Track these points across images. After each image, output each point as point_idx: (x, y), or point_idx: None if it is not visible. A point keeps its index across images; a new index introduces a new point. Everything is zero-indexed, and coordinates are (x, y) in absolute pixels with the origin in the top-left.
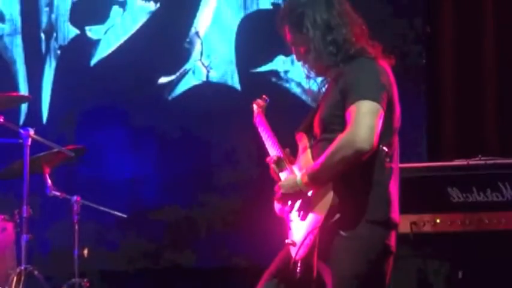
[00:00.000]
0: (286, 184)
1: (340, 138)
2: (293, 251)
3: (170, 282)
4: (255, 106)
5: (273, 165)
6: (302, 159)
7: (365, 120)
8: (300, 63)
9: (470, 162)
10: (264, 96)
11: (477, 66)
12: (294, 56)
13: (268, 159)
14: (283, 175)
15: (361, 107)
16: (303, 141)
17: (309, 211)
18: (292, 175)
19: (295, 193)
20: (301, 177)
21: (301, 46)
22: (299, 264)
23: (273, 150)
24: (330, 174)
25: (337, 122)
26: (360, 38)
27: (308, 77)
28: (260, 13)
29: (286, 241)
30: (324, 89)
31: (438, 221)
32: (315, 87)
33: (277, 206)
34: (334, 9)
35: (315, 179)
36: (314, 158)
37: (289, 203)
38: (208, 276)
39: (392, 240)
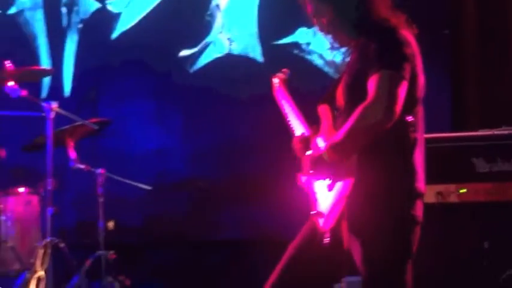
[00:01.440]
0: (311, 157)
1: (362, 108)
2: (321, 221)
3: (195, 254)
4: (275, 80)
5: (298, 144)
6: (326, 131)
7: (387, 90)
8: (322, 34)
9: (495, 132)
10: (284, 69)
11: (501, 34)
12: (316, 27)
13: (293, 140)
14: (309, 151)
15: (384, 77)
16: (326, 112)
17: (335, 181)
18: (317, 147)
19: (321, 164)
20: (325, 148)
21: (323, 17)
22: (327, 235)
23: (295, 123)
24: (353, 144)
25: (360, 92)
26: (383, 8)
27: (332, 48)
28: None
29: (312, 213)
30: (347, 60)
31: (464, 191)
32: (338, 58)
33: (302, 178)
34: None
35: (339, 149)
36: (338, 129)
37: (316, 174)
38: (233, 249)
39: (418, 210)
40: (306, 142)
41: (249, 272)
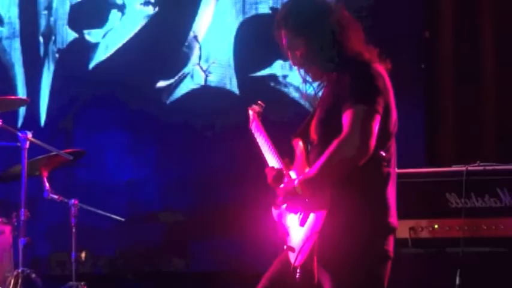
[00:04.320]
0: (284, 190)
1: (336, 143)
2: (292, 256)
3: (167, 286)
4: (250, 112)
5: (271, 176)
6: (299, 165)
7: (361, 125)
8: (296, 68)
9: (469, 168)
10: (259, 102)
11: (476, 72)
12: (290, 61)
13: (266, 169)
14: (282, 184)
15: (357, 112)
16: (299, 146)
17: (307, 216)
18: (289, 181)
19: (293, 199)
20: (298, 182)
21: (297, 50)
22: (298, 270)
23: (269, 156)
24: (326, 179)
25: (333, 126)
26: (356, 43)
27: (305, 81)
28: (259, 18)
29: (285, 247)
30: (320, 94)
31: (436, 226)
32: (311, 92)
33: (275, 212)
34: (331, 14)
35: (312, 184)
36: (311, 163)
37: (288, 207)
38: (206, 281)
39: (390, 245)
40: (279, 174)
41: None
